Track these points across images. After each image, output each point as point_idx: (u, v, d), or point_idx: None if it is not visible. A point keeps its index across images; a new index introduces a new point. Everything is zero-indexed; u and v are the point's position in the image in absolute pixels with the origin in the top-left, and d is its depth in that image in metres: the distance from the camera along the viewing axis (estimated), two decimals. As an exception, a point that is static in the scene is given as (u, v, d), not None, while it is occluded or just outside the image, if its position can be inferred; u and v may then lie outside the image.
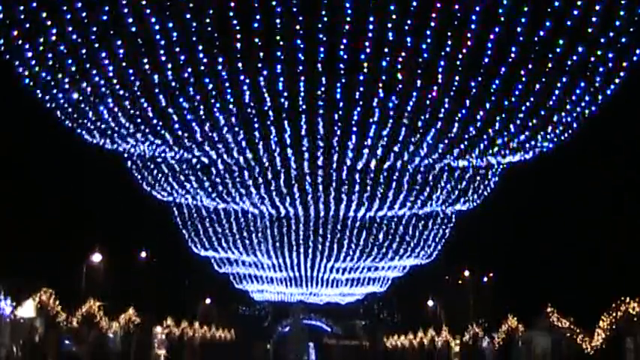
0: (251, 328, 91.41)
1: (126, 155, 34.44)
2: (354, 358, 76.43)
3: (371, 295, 67.97)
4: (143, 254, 57.35)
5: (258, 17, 21.65)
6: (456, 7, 21.45)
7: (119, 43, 22.86)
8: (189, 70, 23.85)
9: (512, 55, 23.23)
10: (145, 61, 23.60)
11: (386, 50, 22.77)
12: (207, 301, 76.49)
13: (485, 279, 63.35)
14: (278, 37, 22.47)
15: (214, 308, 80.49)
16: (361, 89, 24.37)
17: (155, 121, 27.27)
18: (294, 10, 21.49)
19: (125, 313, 37.26)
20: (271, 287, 57.85)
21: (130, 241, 53.12)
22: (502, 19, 21.84)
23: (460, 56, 23.07)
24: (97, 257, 45.47)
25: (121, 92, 25.26)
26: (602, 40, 22.87)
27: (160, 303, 53.79)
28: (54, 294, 26.61)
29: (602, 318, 23.48)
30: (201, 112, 26.25)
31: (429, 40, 22.51)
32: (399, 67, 23.43)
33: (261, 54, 22.85)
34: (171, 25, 22.17)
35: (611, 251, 42.49)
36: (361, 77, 23.83)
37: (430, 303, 68.89)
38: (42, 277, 27.62)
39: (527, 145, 29.89)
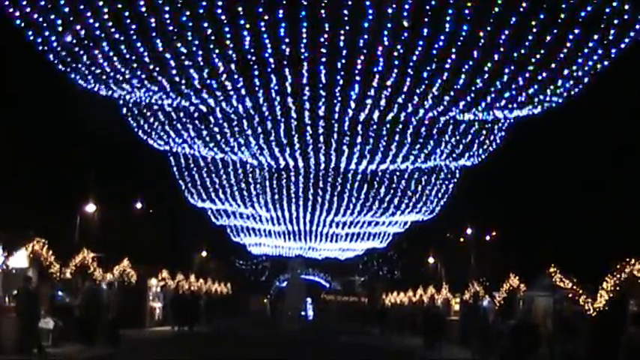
0: (248, 282, 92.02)
1: (121, 102, 34.34)
2: (352, 315, 77.02)
3: (371, 251, 68.38)
4: (138, 205, 57.43)
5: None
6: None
7: (114, -17, 22.68)
8: (187, 13, 23.62)
9: (523, 5, 22.98)
10: (142, 3, 23.37)
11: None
12: (204, 254, 76.89)
13: (488, 237, 63.61)
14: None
15: (211, 261, 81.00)
16: (365, 37, 24.16)
17: (151, 67, 27.07)
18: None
19: (120, 265, 37.36)
20: (269, 241, 58.14)
21: (125, 191, 53.16)
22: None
23: (469, 4, 22.83)
24: (91, 207, 45.51)
25: (117, 36, 25.03)
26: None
27: (155, 255, 53.99)
28: (47, 244, 26.57)
29: (605, 279, 23.51)
30: (200, 58, 26.07)
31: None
32: (405, 14, 23.19)
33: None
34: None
35: (617, 211, 42.52)
36: (365, 24, 23.61)
37: (431, 260, 69.25)
38: (35, 227, 27.58)
39: (536, 99, 29.69)
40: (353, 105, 30.17)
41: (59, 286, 29.09)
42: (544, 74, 26.63)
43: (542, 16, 23.33)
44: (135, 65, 27.10)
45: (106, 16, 24.12)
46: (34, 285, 25.23)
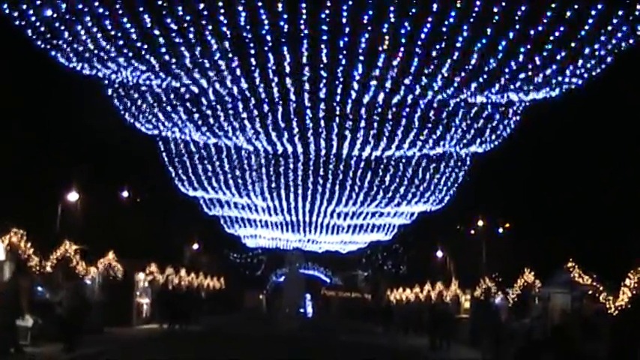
0: (243, 277, 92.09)
1: (106, 82, 34.14)
2: (354, 312, 77.07)
3: (374, 244, 68.43)
4: (125, 194, 57.37)
5: None
6: None
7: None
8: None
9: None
10: (128, -26, 23.26)
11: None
12: (195, 246, 76.94)
13: (501, 229, 63.57)
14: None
15: (203, 254, 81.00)
16: (370, 13, 24.00)
17: (139, 44, 26.92)
18: None
19: (104, 258, 37.27)
20: (266, 232, 58.15)
21: (111, 178, 53.08)
22: None
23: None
24: (73, 196, 45.37)
25: (101, 10, 24.86)
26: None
27: (143, 248, 53.92)
28: (25, 236, 26.43)
29: (628, 275, 23.40)
30: (191, 35, 25.93)
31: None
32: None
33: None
34: None
35: (641, 202, 42.45)
36: (370, -1, 23.50)
37: (439, 254, 69.26)
38: (12, 217, 27.44)
39: (554, 81, 29.53)
40: (356, 86, 30.07)
41: (38, 281, 28.97)
42: (563, 53, 26.45)
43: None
44: (121, 42, 26.93)
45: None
46: (12, 280, 25.14)
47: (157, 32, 25.83)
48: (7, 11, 25.39)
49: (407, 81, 28.99)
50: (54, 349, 25.78)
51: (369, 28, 24.74)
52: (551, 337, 25.39)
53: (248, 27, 25.01)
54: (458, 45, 25.62)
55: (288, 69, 28.12)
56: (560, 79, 29.26)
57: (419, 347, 37.42)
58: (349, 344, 39.93)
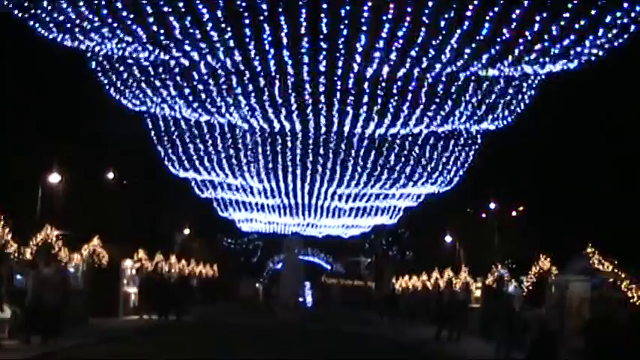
0: (237, 264, 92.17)
1: (89, 55, 34.02)
2: (357, 301, 77.13)
3: (378, 229, 68.40)
4: (110, 175, 57.30)
5: None
6: None
7: None
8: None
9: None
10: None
11: None
12: (186, 231, 76.96)
13: (514, 212, 63.55)
14: None
15: (194, 240, 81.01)
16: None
17: (125, 14, 26.78)
18: None
19: (88, 244, 37.23)
20: (262, 216, 58.10)
21: (95, 158, 53.02)
22: None
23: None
24: (55, 177, 45.26)
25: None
26: None
27: (130, 233, 53.89)
28: (2, 220, 26.35)
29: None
30: (181, 4, 25.78)
31: None
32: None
33: None
34: None
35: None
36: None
37: (448, 239, 69.30)
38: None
39: (572, 52, 29.37)
40: (359, 59, 29.92)
41: (17, 268, 28.89)
42: (582, 22, 26.28)
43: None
44: (105, 11, 26.77)
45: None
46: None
47: (144, 1, 25.68)
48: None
49: (413, 53, 28.85)
50: (32, 342, 25.70)
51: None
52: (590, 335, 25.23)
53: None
54: (468, 14, 25.48)
55: (285, 40, 27.99)
56: (578, 49, 29.10)
57: (426, 339, 37.40)
58: (352, 336, 39.90)
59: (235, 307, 66.07)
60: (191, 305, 50.39)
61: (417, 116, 36.46)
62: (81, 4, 26.30)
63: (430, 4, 25.06)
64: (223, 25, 27.19)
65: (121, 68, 34.89)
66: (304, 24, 26.56)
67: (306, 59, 30.11)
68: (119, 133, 49.65)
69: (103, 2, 26.03)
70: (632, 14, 25.92)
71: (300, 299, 61.18)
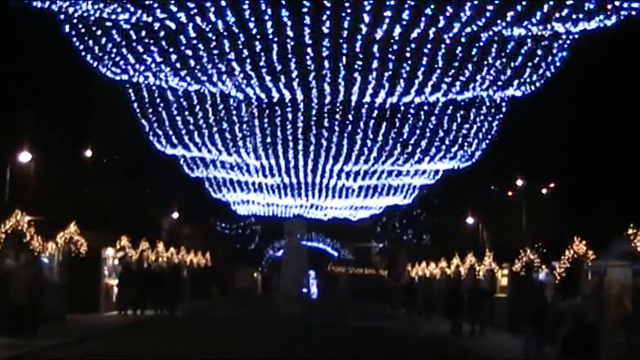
0: (233, 251, 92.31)
1: (63, 17, 33.90)
2: (368, 292, 77.31)
3: (391, 210, 68.45)
4: (88, 153, 57.20)
5: None
6: None
7: None
8: None
9: None
10: None
11: None
12: (175, 215, 76.99)
13: (545, 190, 63.50)
14: None
15: (184, 225, 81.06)
16: None
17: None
18: None
19: (65, 231, 37.23)
20: (260, 197, 58.21)
21: (71, 134, 52.94)
22: None
23: None
24: (25, 157, 45.20)
25: None
26: None
27: (111, 218, 53.87)
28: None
29: None
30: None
31: None
32: None
33: None
34: None
35: None
36: None
37: (470, 221, 69.27)
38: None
39: (610, 6, 29.26)
40: (367, 19, 29.84)
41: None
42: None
43: None
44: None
45: None
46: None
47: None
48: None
49: (428, 11, 28.77)
50: (2, 342, 25.75)
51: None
52: None
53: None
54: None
55: (283, -2, 28.02)
56: (617, 3, 28.98)
57: (446, 334, 37.45)
58: (363, 331, 39.92)
59: (230, 299, 66.17)
60: (181, 298, 50.49)
61: (434, 83, 36.44)
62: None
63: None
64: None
65: (99, 32, 34.80)
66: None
67: (307, 19, 30.04)
68: (98, 106, 49.52)
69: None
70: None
71: (304, 290, 61.20)
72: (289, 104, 40.06)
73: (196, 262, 68.88)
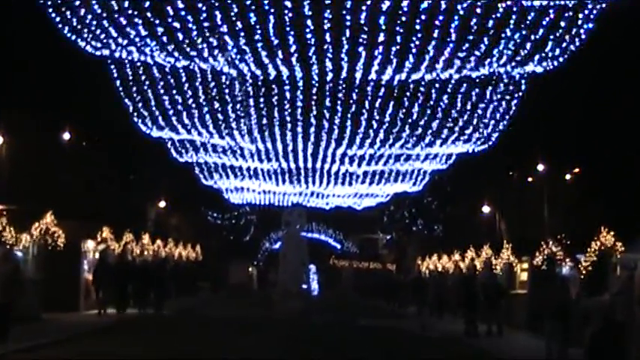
0: (226, 243, 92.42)
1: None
2: (374, 288, 77.40)
3: (400, 198, 68.40)
4: (66, 136, 57.14)
5: None
6: None
7: None
8: None
9: None
10: None
11: None
12: (162, 204, 76.99)
13: (569, 176, 63.44)
14: None
15: (172, 215, 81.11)
16: None
17: None
18: None
19: (40, 222, 37.21)
20: (255, 184, 58.07)
21: (47, 115, 52.90)
22: None
23: None
24: (-4, 139, 45.25)
25: None
26: None
27: (92, 207, 53.87)
28: None
29: None
30: None
31: None
32: None
33: None
34: None
35: None
36: None
37: (486, 210, 69.25)
38: None
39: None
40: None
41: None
42: None
43: None
44: None
45: None
46: None
47: None
48: None
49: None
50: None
51: None
52: None
53: None
54: None
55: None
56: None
57: (459, 334, 37.45)
58: (368, 331, 39.95)
59: (224, 296, 66.23)
60: (168, 296, 50.50)
61: (446, 57, 36.29)
62: None
63: None
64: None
65: (77, 2, 34.71)
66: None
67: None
68: (76, 84, 49.46)
69: None
70: None
71: (304, 286, 61.30)
72: (287, 82, 39.96)
73: (186, 256, 68.96)
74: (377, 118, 43.21)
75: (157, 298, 45.04)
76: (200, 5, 33.28)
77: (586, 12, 34.91)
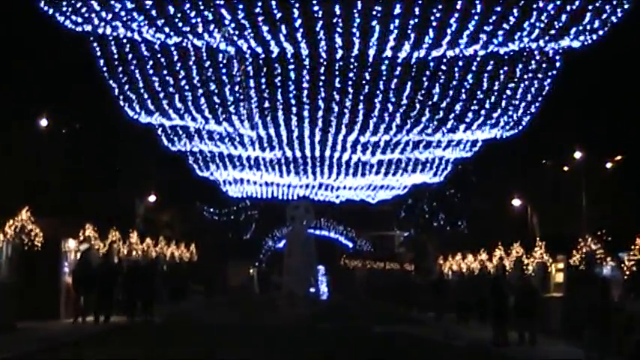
0: (224, 242, 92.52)
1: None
2: (391, 291, 77.45)
3: (419, 190, 68.48)
4: (44, 122, 57.13)
5: None
6: None
7: None
8: None
9: None
10: None
11: None
12: (152, 199, 77.00)
13: (609, 164, 63.37)
14: None
15: (163, 211, 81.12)
16: None
17: None
18: None
19: (15, 219, 37.24)
20: (256, 176, 58.18)
21: (23, 98, 52.93)
22: None
23: None
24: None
25: None
26: None
27: (73, 202, 53.91)
28: None
29: None
30: None
31: None
32: None
33: None
34: None
35: None
36: None
37: (516, 203, 69.17)
38: None
39: None
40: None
41: None
42: None
43: None
44: None
45: None
46: None
47: None
48: None
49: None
50: None
51: None
52: None
53: None
54: None
55: None
56: None
57: (487, 343, 37.43)
58: (384, 339, 39.90)
59: (221, 301, 66.22)
60: (159, 301, 50.53)
61: (470, 32, 36.30)
62: None
63: None
64: None
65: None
66: None
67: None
68: (56, 64, 49.51)
69: None
70: None
71: (312, 289, 61.32)
72: (292, 60, 39.99)
73: (179, 256, 68.97)
74: (393, 100, 43.27)
75: (146, 303, 45.00)
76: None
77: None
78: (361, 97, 42.79)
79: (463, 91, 43.15)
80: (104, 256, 46.10)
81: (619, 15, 36.52)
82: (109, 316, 42.18)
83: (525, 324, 36.60)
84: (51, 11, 37.25)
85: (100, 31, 40.26)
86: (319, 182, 56.15)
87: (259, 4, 34.40)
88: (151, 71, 42.77)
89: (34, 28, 40.21)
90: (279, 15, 34.97)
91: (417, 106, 43.93)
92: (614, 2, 35.83)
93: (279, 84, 42.06)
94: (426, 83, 42.30)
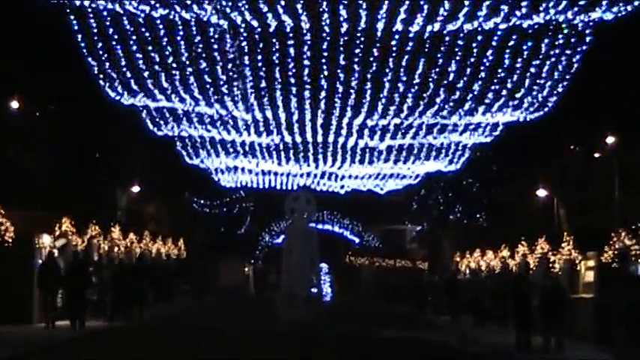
0: (216, 237, 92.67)
1: None
2: (401, 291, 77.54)
3: (433, 179, 68.55)
4: (15, 104, 57.15)
5: None
6: None
7: None
8: None
9: None
10: None
11: None
12: (136, 189, 77.07)
13: (644, 150, 63.57)
14: None
15: (148, 202, 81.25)
16: None
17: None
18: None
19: (-16, 212, 37.41)
20: (252, 164, 58.22)
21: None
22: None
23: None
24: None
25: None
26: None
27: (49, 193, 53.95)
28: None
29: None
30: None
31: None
32: None
33: None
34: None
35: None
36: None
37: (541, 193, 69.19)
38: None
39: None
40: None
41: None
42: None
43: None
44: None
45: None
46: None
47: None
48: None
49: None
50: None
51: None
52: None
53: None
54: None
55: None
56: None
57: (509, 348, 37.49)
58: (397, 345, 39.95)
59: (212, 302, 66.38)
60: (145, 303, 50.58)
61: (490, 3, 36.33)
62: None
63: None
64: None
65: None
66: None
67: None
68: (27, 40, 49.50)
69: None
70: None
71: (314, 290, 61.35)
72: (291, 35, 40.00)
73: (166, 253, 69.07)
74: (404, 79, 43.27)
75: (136, 306, 45.01)
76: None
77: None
78: (369, 76, 42.79)
79: (482, 68, 43.16)
80: (74, 253, 45.98)
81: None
82: (84, 320, 41.93)
83: (551, 328, 36.63)
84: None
85: (78, 2, 40.27)
86: (322, 171, 56.22)
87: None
88: (134, 47, 42.75)
89: (5, 3, 40.18)
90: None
91: (431, 85, 43.96)
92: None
93: (277, 61, 42.08)
94: (440, 60, 42.32)
